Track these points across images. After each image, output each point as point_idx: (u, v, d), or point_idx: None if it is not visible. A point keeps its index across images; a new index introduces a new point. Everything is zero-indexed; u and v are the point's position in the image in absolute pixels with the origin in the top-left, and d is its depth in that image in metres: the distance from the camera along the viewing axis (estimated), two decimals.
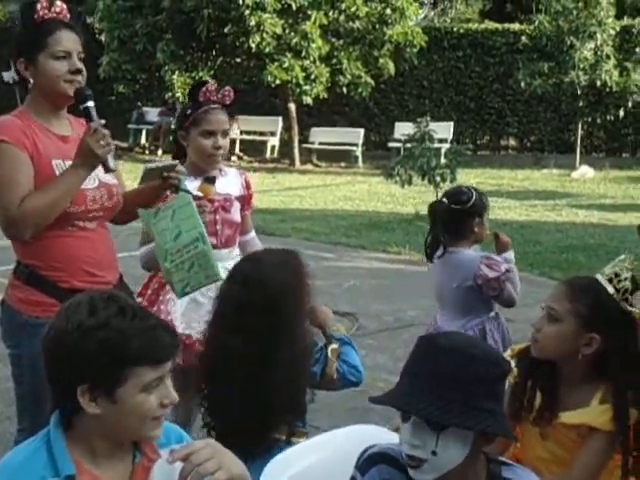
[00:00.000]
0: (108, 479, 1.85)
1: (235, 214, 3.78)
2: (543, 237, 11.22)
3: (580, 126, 18.85)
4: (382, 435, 2.30)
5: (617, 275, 2.58)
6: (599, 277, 2.61)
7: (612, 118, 18.65)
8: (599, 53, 17.29)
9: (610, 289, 2.56)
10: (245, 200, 3.88)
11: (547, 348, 2.61)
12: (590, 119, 19.16)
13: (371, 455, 2.00)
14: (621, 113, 17.94)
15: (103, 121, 3.09)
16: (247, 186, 3.91)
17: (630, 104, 17.46)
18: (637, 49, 17.58)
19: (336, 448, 2.34)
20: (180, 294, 3.37)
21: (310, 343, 2.85)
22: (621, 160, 19.75)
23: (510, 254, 4.10)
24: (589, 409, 2.58)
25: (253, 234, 3.98)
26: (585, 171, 17.98)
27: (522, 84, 17.88)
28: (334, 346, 2.99)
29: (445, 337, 2.00)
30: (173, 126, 3.96)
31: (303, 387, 2.77)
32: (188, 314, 3.57)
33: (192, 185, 3.58)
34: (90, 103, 3.12)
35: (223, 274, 3.43)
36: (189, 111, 3.71)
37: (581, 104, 18.18)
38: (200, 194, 3.62)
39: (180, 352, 3.53)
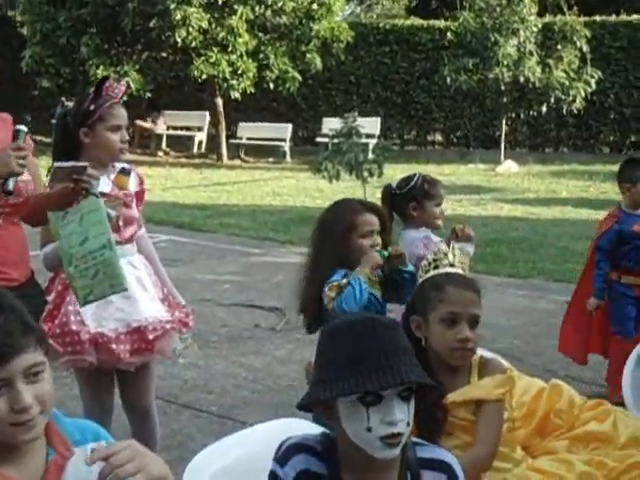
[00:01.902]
0: (20, 478, 1.81)
1: (134, 210, 3.79)
2: None
3: (504, 122, 19.14)
4: (303, 427, 2.31)
5: (462, 263, 2.88)
6: None
7: (535, 114, 18.99)
8: (522, 50, 17.57)
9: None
10: (139, 196, 3.87)
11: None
12: (514, 115, 19.49)
13: (289, 446, 2.01)
14: (544, 109, 18.25)
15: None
16: (140, 182, 3.89)
17: (552, 100, 17.76)
18: (559, 46, 17.88)
19: (257, 443, 2.34)
20: (82, 302, 3.31)
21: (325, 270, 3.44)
22: (544, 155, 20.11)
23: (467, 246, 4.18)
24: (472, 386, 2.70)
25: (144, 230, 3.96)
26: (509, 166, 18.27)
27: (448, 80, 18.08)
28: (335, 283, 3.39)
29: (371, 317, 2.06)
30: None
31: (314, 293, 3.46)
32: (98, 312, 3.53)
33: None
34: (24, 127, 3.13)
35: (127, 269, 3.41)
36: (92, 107, 3.63)
37: (505, 100, 18.46)
38: (107, 190, 3.59)
39: (93, 351, 3.54)
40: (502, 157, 18.57)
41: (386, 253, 3.50)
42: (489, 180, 16.92)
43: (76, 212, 3.24)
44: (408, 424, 1.94)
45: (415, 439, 2.10)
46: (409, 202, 4.28)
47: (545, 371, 5.79)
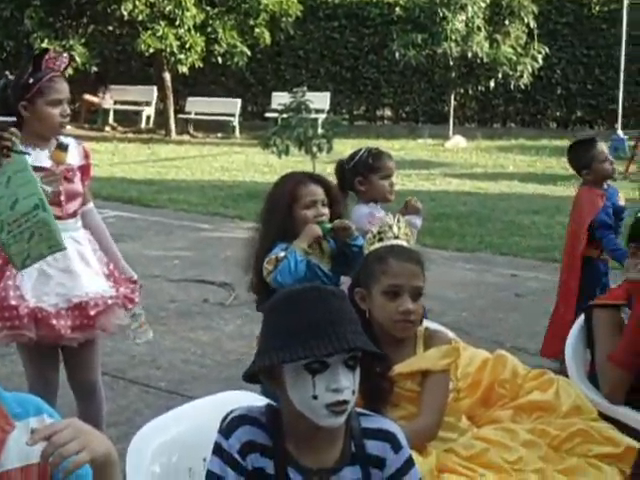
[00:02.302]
0: None
1: (78, 184, 3.72)
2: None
3: (453, 97, 19.23)
4: (248, 400, 2.31)
5: (407, 234, 2.91)
6: None
7: (483, 89, 19.10)
8: (470, 25, 17.63)
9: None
10: (85, 170, 3.81)
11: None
12: (462, 90, 19.57)
13: (233, 418, 2.00)
14: (492, 84, 18.36)
15: None
16: (86, 155, 3.84)
17: (500, 75, 17.87)
18: (506, 22, 17.97)
19: (202, 416, 2.34)
20: (20, 267, 3.22)
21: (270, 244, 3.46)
22: (492, 130, 20.25)
23: (414, 218, 4.20)
24: (418, 357, 2.73)
25: (92, 205, 3.90)
26: (458, 141, 18.38)
27: (396, 55, 18.09)
28: (273, 256, 3.41)
29: (317, 286, 2.08)
30: None
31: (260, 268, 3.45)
32: (38, 287, 3.49)
33: (39, 156, 3.49)
34: None
35: (70, 244, 3.36)
36: (31, 80, 3.55)
37: (453, 75, 18.52)
38: (48, 165, 3.52)
39: (33, 326, 3.49)
40: (451, 132, 18.66)
41: (328, 226, 3.48)
42: (438, 155, 17.01)
43: (2, 174, 3.13)
44: (354, 392, 1.95)
45: (359, 409, 2.11)
46: (356, 176, 4.26)
47: (492, 343, 5.85)
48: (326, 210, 3.52)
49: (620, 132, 15.89)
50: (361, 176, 4.26)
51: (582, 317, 3.24)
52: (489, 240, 9.47)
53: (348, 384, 1.92)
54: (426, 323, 2.94)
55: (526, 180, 13.72)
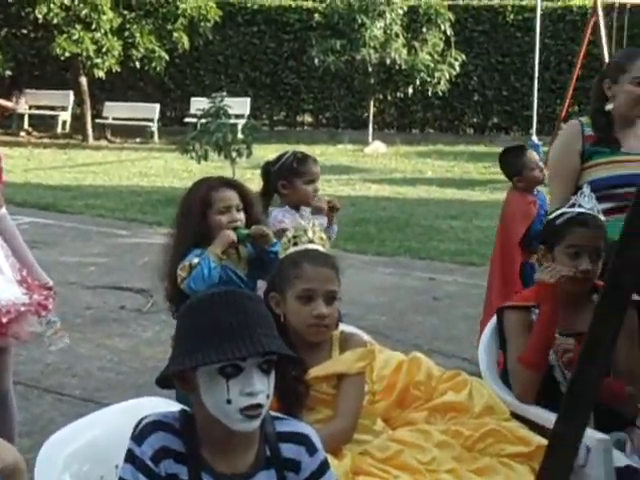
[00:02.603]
0: None
1: None
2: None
3: (372, 103, 19.38)
4: (162, 406, 2.28)
5: (322, 239, 2.92)
6: None
7: (402, 95, 19.30)
8: (388, 32, 17.81)
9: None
10: None
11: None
12: (381, 96, 19.76)
13: (146, 424, 1.98)
14: (410, 91, 18.57)
15: None
16: None
17: (418, 82, 18.08)
18: (423, 29, 18.21)
19: (114, 422, 2.30)
20: None
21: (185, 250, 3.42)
22: (411, 136, 20.49)
23: (319, 218, 4.16)
24: (333, 360, 2.73)
25: (4, 210, 3.81)
26: (377, 146, 18.54)
27: (316, 61, 18.17)
28: (186, 263, 3.37)
29: (232, 290, 2.07)
30: None
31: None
32: None
33: None
34: None
35: None
36: None
37: (372, 81, 18.68)
38: None
39: None
40: (370, 138, 18.81)
41: (244, 231, 3.47)
42: (358, 160, 17.13)
43: None
44: (268, 396, 1.94)
45: (274, 413, 2.11)
46: (280, 179, 4.23)
47: (410, 346, 5.89)
48: (241, 215, 3.50)
49: (535, 138, 16.21)
50: (285, 180, 4.23)
51: (494, 319, 3.29)
52: (408, 245, 9.56)
53: (262, 388, 1.92)
54: (342, 326, 2.95)
55: (444, 185, 13.91)
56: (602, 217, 3.12)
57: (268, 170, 4.32)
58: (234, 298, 1.97)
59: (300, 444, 2.03)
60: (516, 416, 2.93)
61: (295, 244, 2.84)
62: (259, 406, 1.91)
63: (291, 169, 4.23)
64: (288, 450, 2.02)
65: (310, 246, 2.83)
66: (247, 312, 1.93)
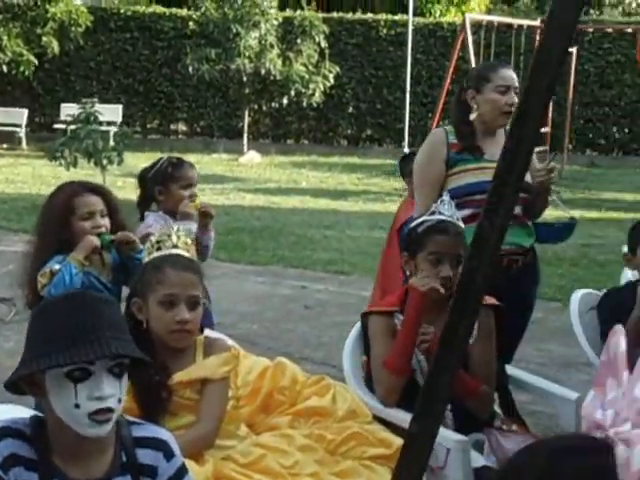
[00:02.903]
0: None
1: None
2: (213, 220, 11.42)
3: (247, 113, 19.38)
4: (16, 413, 2.21)
5: (187, 244, 2.91)
6: None
7: (277, 106, 19.37)
8: (263, 42, 17.85)
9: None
10: None
11: None
12: (256, 106, 19.76)
13: None
14: (285, 101, 18.65)
15: None
16: None
17: (293, 93, 18.18)
18: (298, 40, 18.33)
19: None
20: None
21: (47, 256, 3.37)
22: (286, 146, 20.57)
23: (188, 224, 4.07)
24: (197, 365, 2.72)
25: None
26: (252, 156, 18.54)
27: (190, 69, 18.04)
28: (47, 270, 3.33)
29: (83, 292, 2.07)
30: None
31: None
32: None
33: None
34: None
35: None
36: None
37: (247, 91, 18.67)
38: None
39: None
40: (245, 148, 18.79)
41: (108, 237, 3.41)
42: (232, 170, 17.08)
43: None
44: (120, 400, 1.91)
45: (131, 418, 2.07)
46: (156, 185, 4.16)
47: (281, 353, 5.86)
48: (105, 221, 3.44)
49: (407, 150, 16.55)
50: (161, 185, 4.15)
51: (358, 324, 3.33)
52: (281, 254, 9.59)
53: (113, 392, 1.88)
54: (207, 332, 2.93)
55: (318, 195, 14.02)
56: (461, 224, 3.21)
57: (144, 177, 4.25)
58: (84, 300, 1.94)
59: (157, 449, 2.00)
60: (379, 419, 2.97)
61: (159, 249, 2.80)
62: (109, 410, 1.87)
63: (166, 174, 4.17)
64: (145, 456, 1.99)
65: (174, 251, 2.80)
66: (97, 314, 1.90)
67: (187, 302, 2.67)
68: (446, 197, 3.29)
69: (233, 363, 2.75)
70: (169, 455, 2.01)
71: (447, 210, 3.21)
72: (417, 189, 4.06)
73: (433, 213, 3.23)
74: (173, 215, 4.16)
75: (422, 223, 3.23)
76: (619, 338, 1.30)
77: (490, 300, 3.24)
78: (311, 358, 5.90)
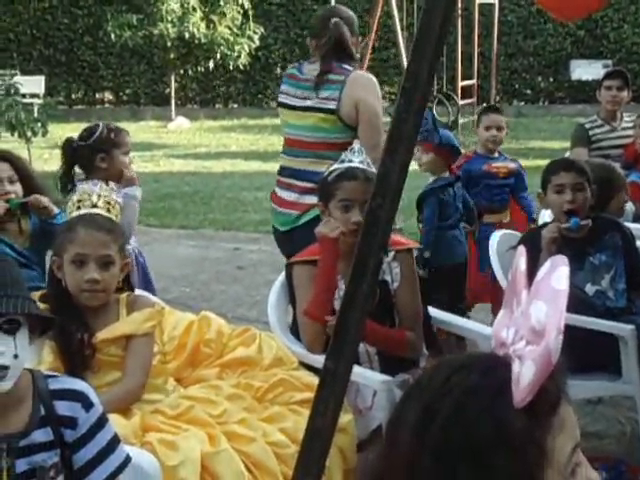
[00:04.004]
0: None
1: None
2: (142, 187, 11.26)
3: (173, 78, 19.15)
4: None
5: (109, 203, 2.88)
6: None
7: (203, 70, 19.17)
8: (185, 6, 17.61)
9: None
10: None
11: None
12: (182, 71, 19.54)
13: None
14: (211, 65, 18.46)
15: None
16: None
17: (219, 56, 18.01)
18: (221, 2, 18.12)
19: None
20: None
21: None
22: (215, 111, 20.40)
23: (134, 190, 4.12)
24: (120, 322, 2.74)
25: None
26: (181, 122, 18.37)
27: (112, 36, 17.74)
28: None
29: None
30: None
31: None
32: None
33: None
34: None
35: None
36: None
37: (172, 56, 18.43)
38: None
39: None
40: (173, 114, 18.60)
41: (16, 201, 3.40)
42: (161, 137, 16.92)
43: None
44: (16, 356, 1.93)
45: (47, 372, 2.09)
46: (97, 153, 4.07)
47: (215, 314, 5.95)
48: (15, 187, 3.42)
49: None
50: (103, 152, 4.06)
51: (283, 274, 3.37)
52: (212, 217, 9.58)
53: (3, 349, 1.91)
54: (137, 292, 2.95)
55: (249, 158, 13.98)
56: (373, 169, 3.22)
57: (71, 146, 4.14)
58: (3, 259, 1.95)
59: (76, 400, 2.03)
60: (305, 365, 3.03)
61: (79, 208, 2.80)
62: (3, 367, 1.90)
63: (109, 141, 4.09)
64: (63, 407, 2.01)
65: (93, 210, 2.79)
66: (8, 271, 1.92)
67: (97, 261, 2.68)
68: (356, 145, 3.33)
69: (157, 318, 2.78)
70: (87, 405, 2.03)
71: (357, 157, 3.24)
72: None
73: (342, 161, 3.27)
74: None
75: (332, 172, 3.26)
76: (519, 259, 1.34)
77: (410, 243, 3.32)
78: (245, 317, 5.93)
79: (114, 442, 2.06)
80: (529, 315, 1.23)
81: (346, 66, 4.07)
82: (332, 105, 3.98)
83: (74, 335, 2.50)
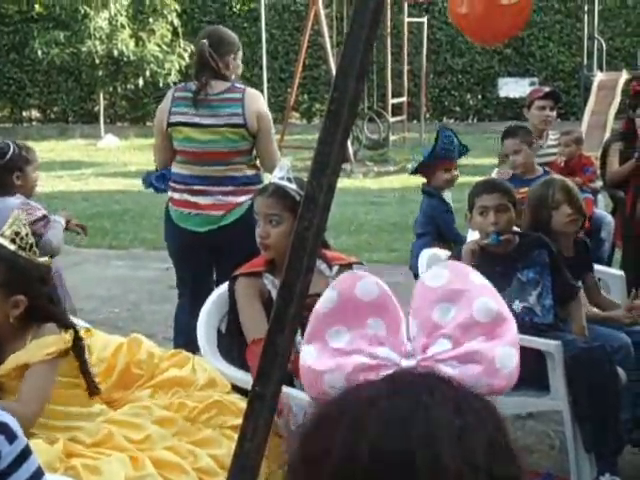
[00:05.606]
0: None
1: None
2: (70, 206, 11.10)
3: (102, 96, 18.96)
4: None
5: (18, 234, 2.73)
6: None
7: (132, 87, 19.01)
8: (114, 23, 17.47)
9: (13, 247, 2.71)
10: None
11: None
12: (111, 88, 19.35)
13: None
14: (140, 82, 18.32)
15: None
16: None
17: (148, 73, 17.88)
18: (150, 20, 18.02)
19: None
20: None
21: None
22: (145, 128, 20.20)
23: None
24: (22, 351, 2.70)
25: None
26: (110, 140, 18.17)
27: (39, 53, 17.49)
28: None
29: None
30: None
31: None
32: None
33: None
34: None
35: None
36: None
37: (101, 74, 18.24)
38: None
39: None
40: (102, 132, 18.40)
41: None
42: (90, 155, 16.71)
43: None
44: None
45: None
46: (12, 172, 4.27)
47: (145, 336, 5.86)
48: None
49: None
50: (18, 170, 4.30)
51: (223, 287, 3.37)
52: (143, 236, 9.48)
53: None
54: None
55: None
56: (292, 185, 3.23)
57: None
58: None
59: None
60: (238, 389, 3.00)
61: None
62: None
63: (22, 158, 4.33)
64: None
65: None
66: None
67: None
68: (284, 161, 3.41)
69: (58, 345, 2.69)
70: (11, 437, 1.97)
71: (279, 172, 3.29)
72: None
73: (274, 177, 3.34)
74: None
75: None
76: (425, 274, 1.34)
77: (351, 259, 3.36)
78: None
79: (38, 474, 2.01)
80: (470, 313, 1.21)
81: (237, 85, 4.55)
82: (238, 120, 4.41)
83: None
